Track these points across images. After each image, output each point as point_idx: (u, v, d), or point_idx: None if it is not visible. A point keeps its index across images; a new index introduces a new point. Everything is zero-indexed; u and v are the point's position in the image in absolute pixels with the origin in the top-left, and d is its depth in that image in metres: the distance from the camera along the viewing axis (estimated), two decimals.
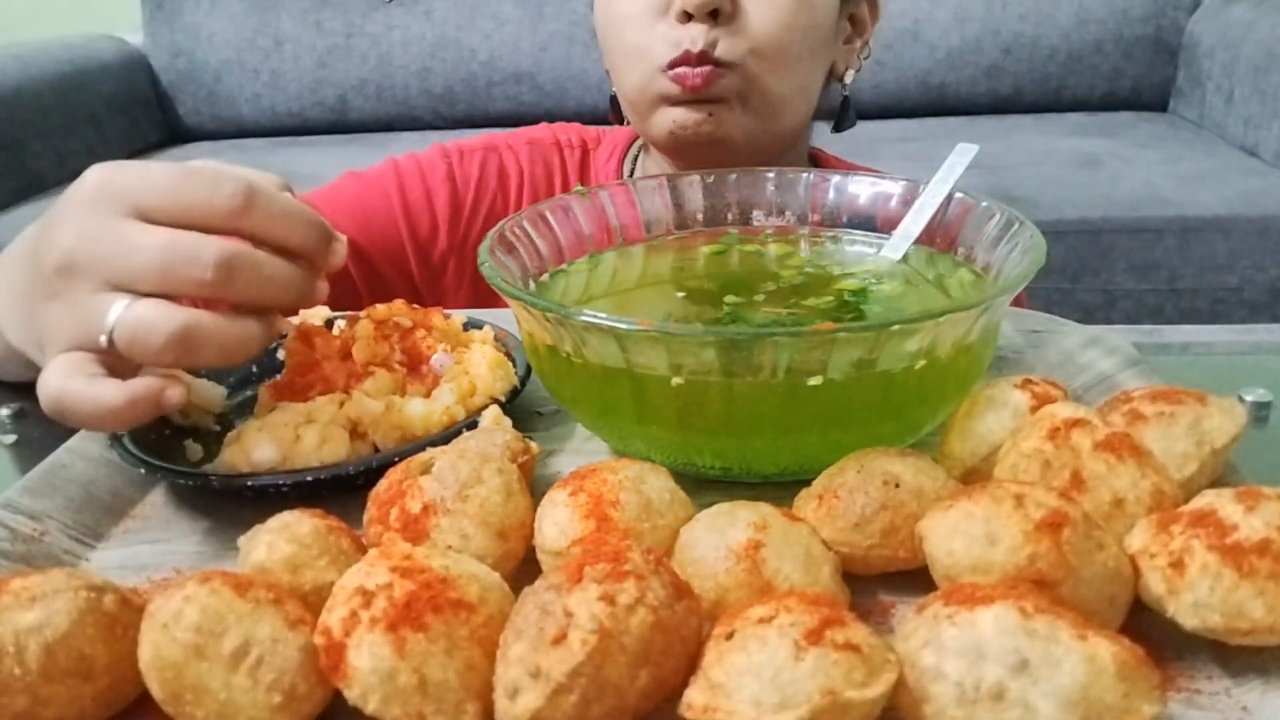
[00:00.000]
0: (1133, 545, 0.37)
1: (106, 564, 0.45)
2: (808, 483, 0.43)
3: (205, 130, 2.58)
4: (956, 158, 0.61)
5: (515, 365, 0.56)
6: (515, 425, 0.51)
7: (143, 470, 0.48)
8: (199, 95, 2.55)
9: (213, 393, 0.56)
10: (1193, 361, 0.67)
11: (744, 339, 0.43)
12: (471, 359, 0.55)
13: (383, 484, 0.43)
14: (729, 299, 0.56)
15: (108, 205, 0.45)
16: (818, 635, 0.31)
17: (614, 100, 0.89)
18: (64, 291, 0.45)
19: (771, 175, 0.65)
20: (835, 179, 0.64)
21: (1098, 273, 1.86)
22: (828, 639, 0.31)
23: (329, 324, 0.58)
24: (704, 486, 0.47)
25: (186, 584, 0.34)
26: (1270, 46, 2.03)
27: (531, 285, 0.57)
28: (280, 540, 0.38)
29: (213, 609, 0.33)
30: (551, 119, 1.02)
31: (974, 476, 0.44)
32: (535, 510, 0.42)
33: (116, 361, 0.45)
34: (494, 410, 0.52)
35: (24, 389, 0.61)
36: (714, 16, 0.75)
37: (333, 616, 0.33)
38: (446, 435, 0.50)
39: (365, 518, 0.43)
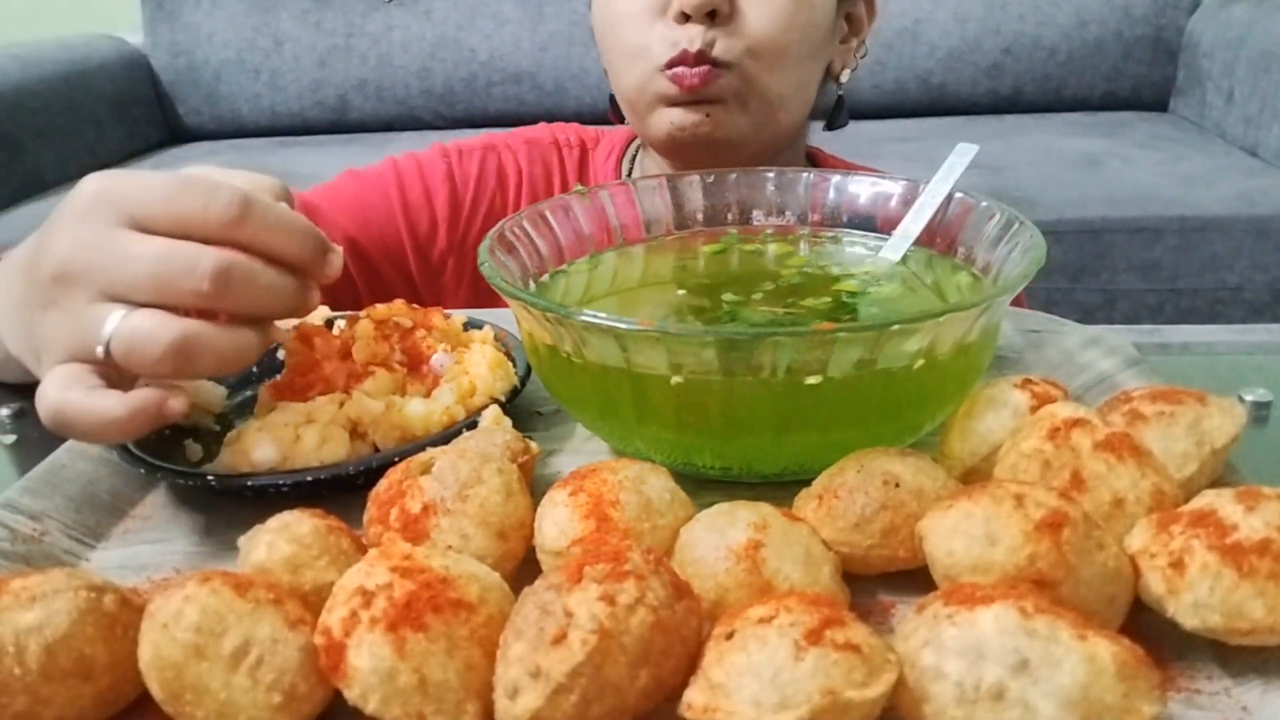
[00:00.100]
0: (1133, 545, 0.37)
1: (106, 564, 0.45)
2: (808, 483, 0.43)
3: (205, 130, 2.58)
4: (956, 158, 0.61)
5: (515, 365, 0.56)
6: (515, 425, 0.51)
7: (143, 470, 0.48)
8: (199, 95, 2.55)
9: (213, 393, 0.56)
10: (1193, 361, 0.67)
11: (744, 339, 0.43)
12: (471, 359, 0.55)
13: (383, 484, 0.43)
14: (727, 296, 0.56)
15: (104, 215, 0.44)
16: (818, 635, 0.31)
17: (613, 100, 0.89)
18: (60, 301, 0.45)
19: (771, 175, 0.65)
20: (835, 179, 0.64)
21: (1098, 273, 1.86)
22: (828, 639, 0.31)
23: (329, 324, 0.59)
24: (704, 486, 0.47)
25: (186, 584, 0.34)
26: (1270, 46, 2.03)
27: (531, 285, 0.57)
28: (280, 540, 0.38)
29: (213, 609, 0.33)
30: (551, 119, 1.02)
31: (974, 476, 0.44)
32: (535, 510, 0.42)
33: (114, 372, 0.44)
34: (494, 410, 0.52)
35: (24, 389, 0.61)
36: (712, 17, 0.75)
37: (333, 616, 0.33)
38: (446, 435, 0.50)
39: (365, 518, 0.43)
